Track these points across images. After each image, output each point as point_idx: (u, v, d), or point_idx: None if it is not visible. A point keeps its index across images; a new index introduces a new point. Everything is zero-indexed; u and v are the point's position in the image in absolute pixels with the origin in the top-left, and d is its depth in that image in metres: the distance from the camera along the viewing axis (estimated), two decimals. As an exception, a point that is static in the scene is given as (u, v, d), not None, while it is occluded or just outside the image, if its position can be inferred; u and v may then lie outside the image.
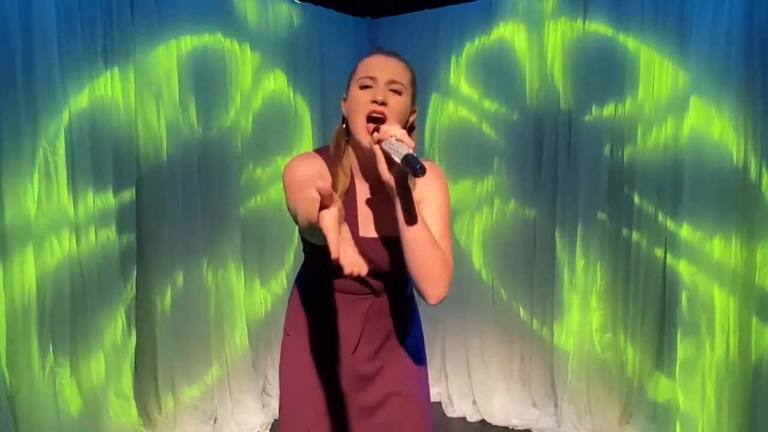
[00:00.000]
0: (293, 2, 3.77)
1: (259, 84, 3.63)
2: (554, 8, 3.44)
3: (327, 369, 1.74)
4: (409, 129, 1.63)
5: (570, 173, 3.41)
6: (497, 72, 3.68)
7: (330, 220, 1.15)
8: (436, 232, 1.56)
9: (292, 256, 3.88)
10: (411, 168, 1.35)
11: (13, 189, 2.58)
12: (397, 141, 1.42)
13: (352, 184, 1.65)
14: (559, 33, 3.43)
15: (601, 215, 3.31)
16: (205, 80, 3.31)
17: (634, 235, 3.21)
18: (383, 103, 1.53)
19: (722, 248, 2.84)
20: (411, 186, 1.51)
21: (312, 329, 1.76)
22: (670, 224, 3.09)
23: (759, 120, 2.75)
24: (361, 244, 1.61)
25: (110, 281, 2.92)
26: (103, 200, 2.88)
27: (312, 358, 1.75)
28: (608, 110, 3.27)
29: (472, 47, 3.77)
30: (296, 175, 1.55)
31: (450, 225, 1.65)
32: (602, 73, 3.27)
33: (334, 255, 1.14)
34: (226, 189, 3.47)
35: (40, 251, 2.66)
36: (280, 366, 1.84)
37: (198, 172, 3.31)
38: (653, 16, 3.09)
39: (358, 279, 1.63)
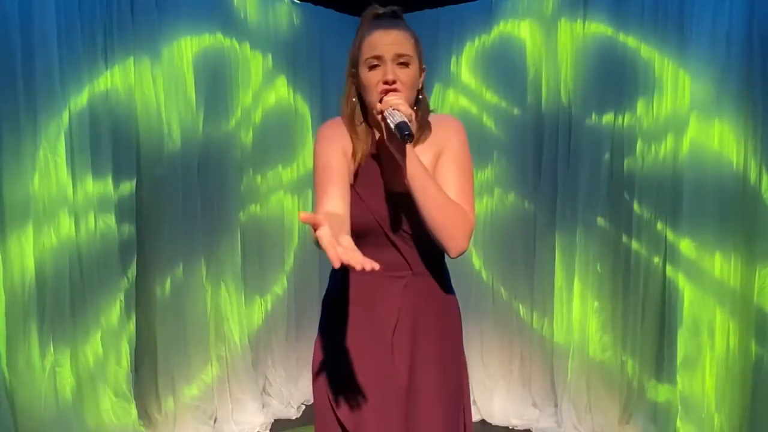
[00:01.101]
0: (293, 2, 3.77)
1: (259, 84, 3.63)
2: (554, 8, 3.44)
3: (365, 357, 1.70)
4: (419, 91, 1.69)
5: (570, 173, 3.41)
6: (497, 72, 3.68)
7: (325, 238, 1.26)
8: (453, 187, 1.62)
9: (292, 257, 3.88)
10: (399, 134, 1.47)
11: (14, 189, 2.58)
12: (394, 110, 1.51)
13: (373, 146, 1.70)
14: (560, 33, 3.42)
15: (601, 216, 3.30)
16: (204, 80, 3.31)
17: (634, 236, 3.21)
18: (393, 82, 1.59)
19: (722, 253, 2.84)
20: (411, 146, 1.57)
21: (348, 316, 1.74)
22: (669, 227, 3.08)
23: (759, 122, 2.75)
24: (391, 200, 1.67)
25: (110, 279, 2.93)
26: (103, 199, 2.88)
27: (348, 347, 1.72)
28: (608, 115, 3.27)
29: (472, 47, 3.77)
30: (319, 159, 1.67)
31: (471, 176, 1.69)
32: (602, 75, 3.26)
33: (335, 265, 1.23)
34: (226, 188, 3.47)
35: (40, 254, 2.67)
36: (314, 356, 1.80)
37: (198, 172, 3.31)
38: (653, 17, 3.09)
39: (393, 244, 1.67)
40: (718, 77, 2.82)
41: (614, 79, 3.23)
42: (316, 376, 1.78)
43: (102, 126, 2.87)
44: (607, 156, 3.27)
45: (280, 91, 3.75)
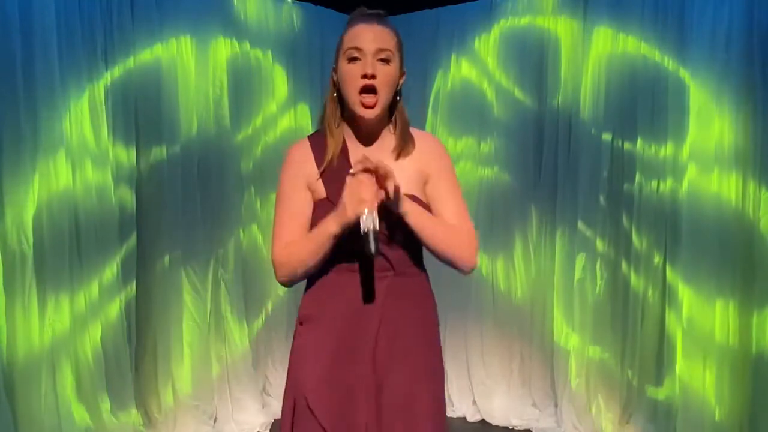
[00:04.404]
0: (293, 2, 3.77)
1: (260, 83, 3.63)
2: (554, 8, 3.44)
3: (344, 361, 1.68)
4: (397, 93, 1.68)
5: (570, 167, 3.41)
6: (496, 72, 3.68)
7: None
8: (451, 209, 1.67)
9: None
10: (366, 245, 1.47)
11: (14, 191, 2.58)
12: (368, 215, 1.49)
13: (345, 151, 1.69)
14: (560, 34, 3.42)
15: (602, 213, 3.31)
16: (204, 80, 3.31)
17: (634, 236, 3.21)
18: (373, 76, 1.58)
19: (720, 256, 2.85)
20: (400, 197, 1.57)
21: (328, 318, 1.72)
22: (669, 227, 3.09)
23: (759, 125, 2.74)
24: None
25: (111, 282, 2.93)
26: (103, 205, 2.89)
27: (328, 350, 1.70)
28: (607, 133, 3.27)
29: (472, 47, 3.77)
30: (284, 186, 1.72)
31: (461, 195, 1.72)
32: (603, 80, 3.26)
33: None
34: (226, 188, 3.47)
35: (42, 267, 2.67)
36: (290, 359, 1.76)
37: (198, 170, 3.31)
38: (653, 16, 3.09)
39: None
40: (717, 78, 2.82)
41: (612, 83, 3.23)
42: (291, 376, 1.74)
43: (100, 119, 2.88)
44: (605, 172, 3.27)
45: (280, 89, 3.75)
